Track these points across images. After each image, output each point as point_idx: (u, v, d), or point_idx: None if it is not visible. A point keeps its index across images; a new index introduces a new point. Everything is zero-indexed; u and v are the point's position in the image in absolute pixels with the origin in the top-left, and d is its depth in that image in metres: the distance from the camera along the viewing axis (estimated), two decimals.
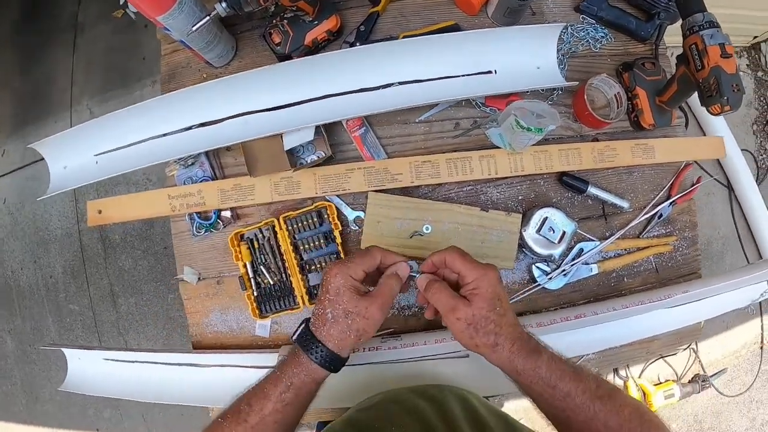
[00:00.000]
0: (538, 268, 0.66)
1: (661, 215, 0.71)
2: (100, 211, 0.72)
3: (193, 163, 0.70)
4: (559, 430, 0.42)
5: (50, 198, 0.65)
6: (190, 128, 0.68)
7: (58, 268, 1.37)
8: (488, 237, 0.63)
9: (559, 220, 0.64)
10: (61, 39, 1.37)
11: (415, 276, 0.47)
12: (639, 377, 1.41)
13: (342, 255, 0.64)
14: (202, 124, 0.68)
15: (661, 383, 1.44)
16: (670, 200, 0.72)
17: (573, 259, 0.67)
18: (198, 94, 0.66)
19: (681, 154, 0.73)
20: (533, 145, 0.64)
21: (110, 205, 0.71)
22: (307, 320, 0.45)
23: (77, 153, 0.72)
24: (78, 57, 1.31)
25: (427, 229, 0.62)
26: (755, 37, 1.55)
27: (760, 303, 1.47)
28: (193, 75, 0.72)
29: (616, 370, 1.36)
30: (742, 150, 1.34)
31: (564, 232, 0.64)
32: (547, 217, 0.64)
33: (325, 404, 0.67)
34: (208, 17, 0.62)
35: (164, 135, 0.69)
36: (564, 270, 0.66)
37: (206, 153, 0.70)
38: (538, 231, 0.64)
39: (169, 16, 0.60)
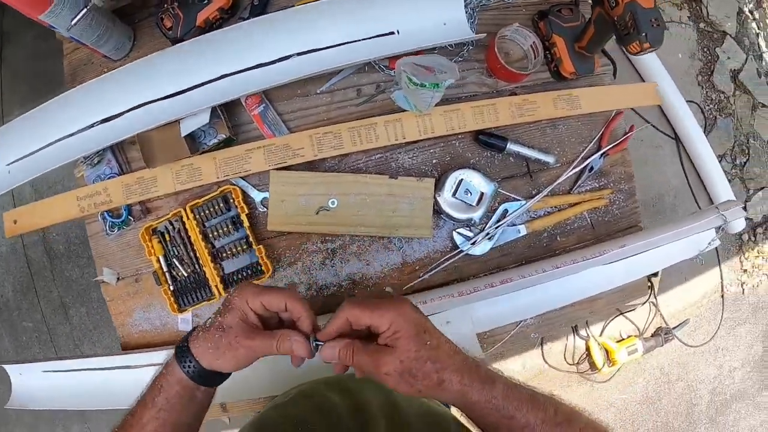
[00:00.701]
0: (459, 234, 0.63)
1: (592, 168, 0.68)
2: (15, 221, 0.70)
3: (99, 162, 0.68)
4: None
5: None
6: (92, 125, 0.66)
7: (7, 286, 1.36)
8: (399, 206, 0.60)
9: (475, 181, 0.61)
10: None
11: (318, 344, 0.38)
12: (600, 335, 1.39)
13: (251, 238, 0.61)
14: (104, 120, 0.66)
15: (623, 339, 1.41)
16: (601, 151, 0.68)
17: (497, 222, 0.63)
18: (92, 91, 0.64)
19: (610, 102, 0.69)
20: (443, 104, 0.61)
21: (24, 214, 0.70)
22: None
23: None
24: (5, 69, 1.29)
25: (332, 203, 0.59)
26: None
27: (717, 252, 1.43)
28: (95, 71, 0.70)
29: (575, 330, 1.32)
30: (688, 102, 1.29)
31: (482, 194, 0.61)
32: (462, 179, 0.60)
33: (254, 394, 0.65)
34: (85, 9, 0.59)
35: (69, 135, 0.67)
36: (488, 234, 0.63)
37: (112, 149, 0.68)
38: (454, 194, 0.60)
39: (51, 13, 0.58)
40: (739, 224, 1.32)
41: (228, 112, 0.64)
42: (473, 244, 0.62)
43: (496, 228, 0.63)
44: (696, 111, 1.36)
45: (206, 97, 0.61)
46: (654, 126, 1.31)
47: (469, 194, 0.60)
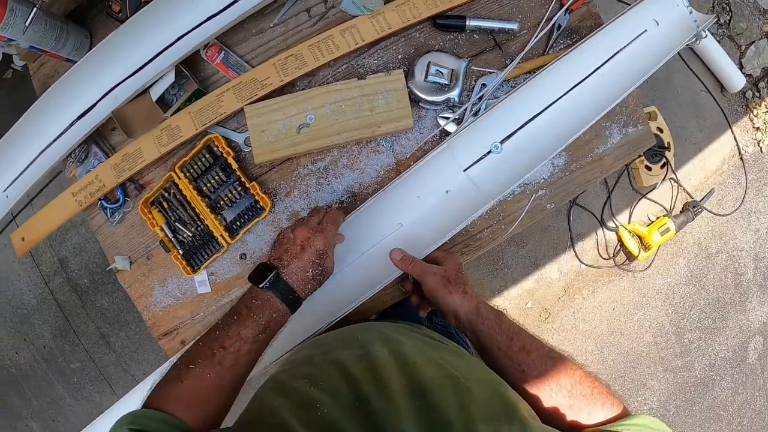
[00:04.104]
0: (444, 117, 0.62)
1: (560, 26, 0.66)
2: (23, 239, 0.72)
3: (86, 157, 0.69)
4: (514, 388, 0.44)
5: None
6: (71, 125, 0.68)
7: (47, 336, 1.39)
8: (375, 103, 0.59)
9: (444, 61, 0.60)
10: None
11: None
12: (629, 223, 1.34)
13: (243, 179, 0.61)
14: (80, 116, 0.67)
15: (653, 222, 1.35)
16: (564, 8, 0.66)
17: (478, 97, 0.62)
18: (61, 92, 0.66)
19: None
20: (392, 1, 0.61)
21: (29, 229, 0.72)
22: (274, 271, 0.47)
23: None
24: None
25: (310, 118, 0.59)
26: None
27: (725, 115, 1.35)
28: None
29: (602, 222, 1.26)
30: None
31: (452, 71, 0.60)
32: (429, 62, 0.60)
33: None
34: (35, 8, 0.62)
35: (53, 142, 0.69)
36: (472, 109, 0.62)
37: (95, 141, 0.69)
38: (425, 78, 0.59)
39: (5, 26, 0.61)
40: (739, 81, 1.26)
41: (192, 70, 0.65)
42: (459, 123, 0.61)
43: (479, 101, 0.62)
44: None
45: (168, 58, 0.63)
46: (623, 1, 1.28)
47: (441, 74, 0.60)
